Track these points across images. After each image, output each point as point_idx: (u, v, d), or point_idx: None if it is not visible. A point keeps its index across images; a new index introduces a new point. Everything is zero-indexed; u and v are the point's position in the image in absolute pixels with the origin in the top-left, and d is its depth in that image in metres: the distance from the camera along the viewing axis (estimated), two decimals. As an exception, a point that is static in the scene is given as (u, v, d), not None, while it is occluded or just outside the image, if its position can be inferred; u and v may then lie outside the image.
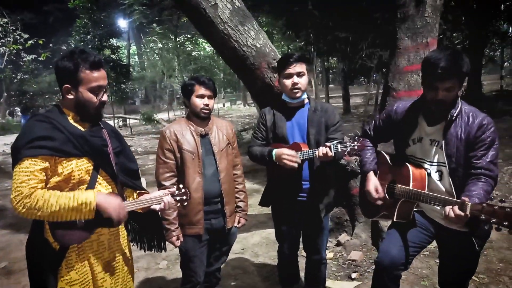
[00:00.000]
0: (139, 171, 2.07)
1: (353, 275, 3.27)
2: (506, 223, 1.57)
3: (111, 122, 15.75)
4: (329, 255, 3.65)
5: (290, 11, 7.54)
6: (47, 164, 1.58)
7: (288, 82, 2.39)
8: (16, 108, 21.29)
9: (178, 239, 2.40)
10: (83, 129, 1.73)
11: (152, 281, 3.54)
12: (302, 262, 2.93)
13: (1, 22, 17.47)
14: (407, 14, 3.45)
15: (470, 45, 13.36)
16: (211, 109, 2.43)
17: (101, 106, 1.74)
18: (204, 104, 2.37)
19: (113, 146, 1.84)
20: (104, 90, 1.73)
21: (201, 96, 2.37)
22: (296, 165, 2.26)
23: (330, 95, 22.08)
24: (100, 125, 1.83)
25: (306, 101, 2.51)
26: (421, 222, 2.19)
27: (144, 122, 17.24)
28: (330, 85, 37.77)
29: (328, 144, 2.14)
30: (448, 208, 1.77)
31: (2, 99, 25.12)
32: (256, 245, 4.18)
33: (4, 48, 18.09)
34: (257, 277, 3.48)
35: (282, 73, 2.43)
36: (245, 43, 3.13)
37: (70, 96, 1.68)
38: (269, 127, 2.52)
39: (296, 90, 2.38)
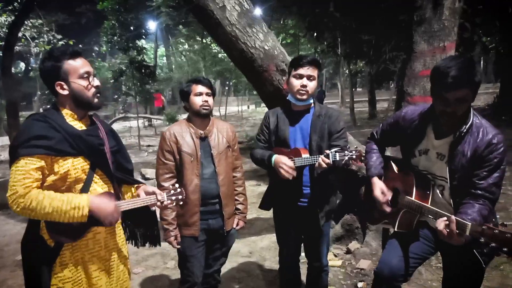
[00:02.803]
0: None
1: (359, 284, 3.18)
2: (506, 249, 1.46)
3: (135, 122, 16.09)
4: (337, 262, 3.57)
5: (312, 12, 7.46)
6: (43, 163, 1.59)
7: (297, 83, 2.32)
8: (47, 106, 22.08)
9: (176, 239, 2.41)
10: (79, 128, 1.74)
11: (159, 279, 3.57)
12: (304, 268, 2.88)
13: (36, 24, 18.20)
14: (424, 16, 3.35)
15: (505, 50, 12.85)
16: (211, 106, 2.42)
17: (96, 92, 1.75)
18: (203, 101, 2.37)
19: (110, 145, 1.85)
20: (93, 75, 1.75)
21: (199, 94, 2.38)
22: (291, 177, 2.25)
23: (357, 99, 21.68)
24: (96, 124, 1.84)
25: (312, 105, 2.46)
26: (424, 233, 2.10)
27: (167, 123, 17.47)
28: (359, 89, 37.29)
29: (327, 151, 2.11)
30: (442, 223, 1.67)
31: (36, 97, 26.20)
32: (265, 249, 4.14)
33: (37, 48, 18.85)
34: (262, 281, 3.45)
35: (292, 72, 2.36)
36: (253, 45, 3.12)
37: (65, 92, 1.70)
38: (272, 129, 2.49)
39: (303, 92, 2.32)
